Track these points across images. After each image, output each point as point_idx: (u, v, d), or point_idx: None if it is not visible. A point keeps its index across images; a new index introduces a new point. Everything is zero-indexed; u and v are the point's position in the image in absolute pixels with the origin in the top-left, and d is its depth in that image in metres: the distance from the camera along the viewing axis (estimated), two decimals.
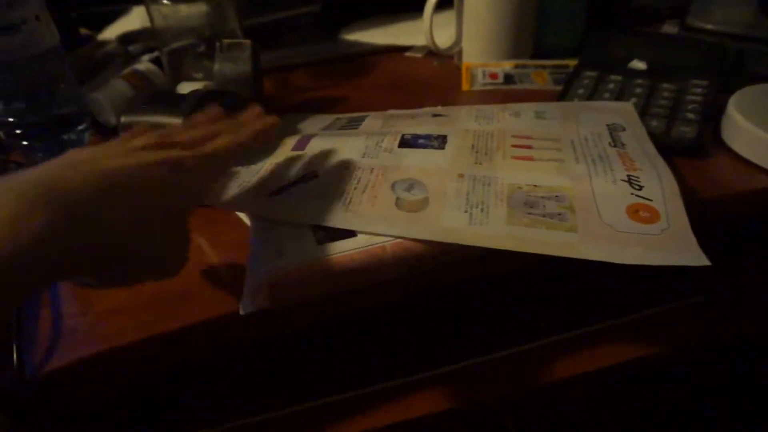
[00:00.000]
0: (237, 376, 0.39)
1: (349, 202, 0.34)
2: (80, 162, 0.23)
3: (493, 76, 0.55)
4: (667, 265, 0.29)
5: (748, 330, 0.45)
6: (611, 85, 0.48)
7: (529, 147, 0.39)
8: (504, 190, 0.34)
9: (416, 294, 0.34)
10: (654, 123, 0.43)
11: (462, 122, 0.43)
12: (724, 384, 0.52)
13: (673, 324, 0.45)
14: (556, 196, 0.34)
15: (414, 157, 0.38)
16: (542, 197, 0.34)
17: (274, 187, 0.36)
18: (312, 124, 0.47)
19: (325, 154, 0.39)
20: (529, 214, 0.32)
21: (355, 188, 0.35)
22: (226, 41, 0.48)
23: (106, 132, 0.49)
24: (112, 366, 0.29)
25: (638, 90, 0.47)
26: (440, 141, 0.39)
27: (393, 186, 0.35)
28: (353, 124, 0.45)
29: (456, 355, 0.41)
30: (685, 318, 0.45)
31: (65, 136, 0.46)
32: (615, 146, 0.39)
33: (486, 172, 0.36)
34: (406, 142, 0.39)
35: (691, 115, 0.43)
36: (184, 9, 0.51)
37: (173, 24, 0.52)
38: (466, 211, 0.33)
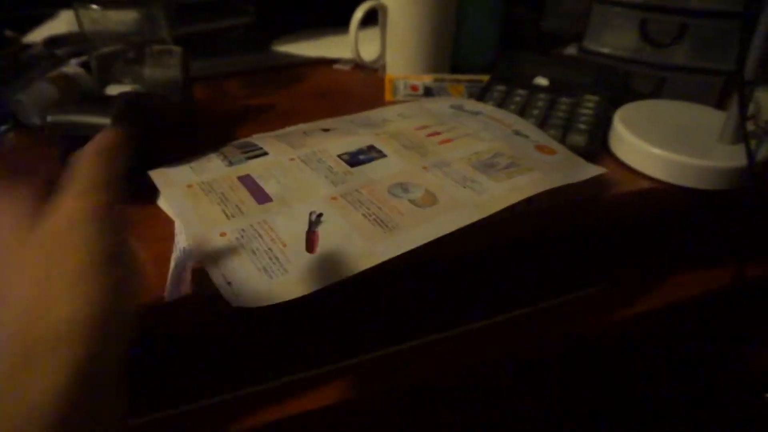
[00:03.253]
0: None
1: (385, 223, 0.34)
2: None
3: (414, 88, 0.59)
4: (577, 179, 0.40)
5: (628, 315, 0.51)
6: (517, 98, 0.53)
7: (438, 133, 0.45)
8: (463, 165, 0.40)
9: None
10: (551, 132, 0.48)
11: (363, 131, 0.46)
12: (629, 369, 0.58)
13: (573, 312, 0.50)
14: (495, 154, 0.41)
15: (372, 170, 0.40)
16: (490, 158, 0.41)
17: (300, 251, 0.32)
18: (184, 173, 0.40)
19: (300, 195, 0.37)
20: (498, 171, 0.39)
21: (372, 210, 0.35)
22: (156, 47, 0.49)
23: (30, 133, 0.49)
24: None
25: (540, 103, 0.52)
26: (375, 151, 0.42)
27: (389, 192, 0.37)
28: (250, 151, 0.43)
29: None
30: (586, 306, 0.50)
31: None
32: (477, 114, 0.49)
33: (437, 159, 0.41)
34: (351, 162, 0.41)
35: (582, 126, 0.49)
36: (113, 15, 0.52)
37: (102, 29, 0.52)
38: (465, 187, 0.38)
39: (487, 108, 0.51)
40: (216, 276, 0.30)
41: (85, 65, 0.55)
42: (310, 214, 0.35)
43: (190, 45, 0.54)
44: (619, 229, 0.48)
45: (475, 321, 0.47)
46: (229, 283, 0.30)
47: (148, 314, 0.32)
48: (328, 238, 0.33)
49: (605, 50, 0.57)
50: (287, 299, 0.29)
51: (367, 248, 0.32)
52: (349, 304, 0.41)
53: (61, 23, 0.67)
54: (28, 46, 0.61)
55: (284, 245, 0.32)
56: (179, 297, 0.31)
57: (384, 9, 0.59)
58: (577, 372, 0.53)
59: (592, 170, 0.42)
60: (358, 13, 0.58)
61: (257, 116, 0.55)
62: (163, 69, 0.48)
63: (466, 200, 0.37)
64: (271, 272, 0.30)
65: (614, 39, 0.56)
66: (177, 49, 0.50)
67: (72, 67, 0.54)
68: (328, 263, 0.31)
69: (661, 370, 0.58)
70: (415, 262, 0.34)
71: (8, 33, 0.57)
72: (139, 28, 0.54)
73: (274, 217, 0.35)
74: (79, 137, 0.37)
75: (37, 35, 0.64)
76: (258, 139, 0.45)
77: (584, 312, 0.49)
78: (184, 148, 0.45)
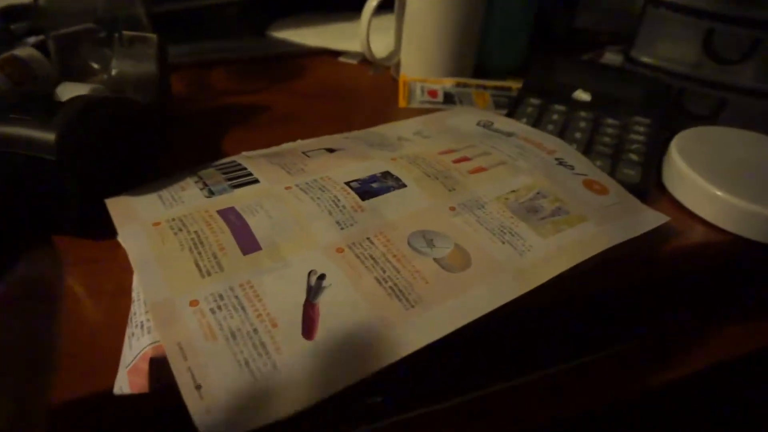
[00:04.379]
0: None
1: (405, 295, 0.26)
2: None
3: (433, 93, 0.51)
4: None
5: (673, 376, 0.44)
6: (555, 116, 0.45)
7: (467, 159, 0.37)
8: (500, 207, 0.33)
9: None
10: (598, 163, 0.41)
11: (376, 154, 0.38)
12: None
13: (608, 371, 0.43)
14: (537, 193, 0.34)
15: (388, 206, 0.32)
16: (531, 199, 0.34)
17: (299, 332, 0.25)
18: (150, 204, 0.32)
19: (296, 240, 0.29)
20: (543, 219, 0.32)
21: (388, 273, 0.27)
22: (127, 34, 0.41)
23: None
24: None
25: (582, 123, 0.44)
26: (393, 179, 0.34)
27: (409, 244, 0.29)
28: (236, 177, 0.34)
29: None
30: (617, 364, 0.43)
31: None
32: (511, 135, 0.41)
33: (468, 195, 0.34)
34: (362, 192, 0.33)
35: (634, 157, 0.41)
36: None
37: (63, 4, 0.43)
38: (504, 242, 0.30)
39: (521, 127, 0.43)
40: (181, 373, 0.22)
41: (42, 46, 0.46)
42: (309, 274, 0.27)
43: (171, 26, 0.45)
44: (669, 283, 0.41)
45: (502, 381, 0.40)
46: (198, 387, 0.22)
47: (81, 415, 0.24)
48: (331, 314, 0.26)
49: (657, 62, 0.49)
50: (275, 419, 0.21)
51: (380, 335, 0.25)
52: None
53: None
54: None
55: (274, 325, 0.25)
56: (132, 394, 0.23)
57: None
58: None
59: (653, 218, 0.35)
60: (372, 2, 0.49)
61: (247, 121, 0.47)
62: (134, 61, 0.39)
63: (506, 263, 0.29)
64: (256, 369, 0.23)
65: (670, 50, 0.48)
66: (152, 36, 0.41)
67: (26, 48, 0.44)
68: (330, 358, 0.24)
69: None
70: None
71: None
72: (109, 3, 0.45)
73: (262, 277, 0.27)
74: (11, 156, 0.29)
75: None
76: (246, 160, 0.37)
77: (618, 372, 0.42)
78: (154, 166, 0.37)
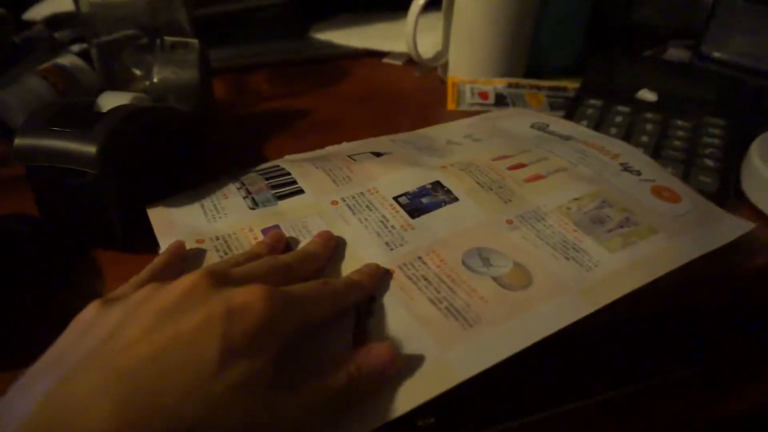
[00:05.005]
0: None
1: (463, 315, 0.24)
2: None
3: (483, 95, 0.48)
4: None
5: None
6: (618, 118, 0.42)
7: (523, 165, 0.35)
8: (561, 218, 0.30)
9: None
10: (670, 169, 0.37)
11: (425, 159, 0.36)
12: None
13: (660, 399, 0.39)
14: (602, 202, 0.31)
15: (439, 222, 0.30)
16: (596, 208, 0.31)
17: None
18: (193, 216, 0.31)
19: (344, 264, 0.28)
20: (610, 232, 0.29)
21: (443, 293, 0.26)
22: (168, 39, 0.39)
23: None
24: None
25: (649, 126, 0.41)
26: (442, 191, 0.32)
27: (464, 264, 0.27)
28: (281, 185, 0.33)
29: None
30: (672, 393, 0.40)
31: None
32: (569, 138, 0.38)
33: (526, 207, 0.31)
34: (411, 209, 0.31)
35: (710, 162, 0.38)
36: None
37: (105, 11, 0.43)
38: (568, 258, 0.28)
39: (580, 130, 0.40)
40: None
41: (85, 54, 0.45)
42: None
43: (212, 29, 0.44)
44: (751, 303, 0.37)
45: (556, 406, 0.37)
46: None
47: None
48: (382, 337, 0.24)
49: (731, 58, 0.45)
50: None
51: (437, 357, 0.23)
52: None
53: None
54: (26, 25, 0.52)
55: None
56: None
57: None
58: None
59: (736, 227, 0.31)
60: (420, 1, 0.46)
61: (289, 126, 0.45)
62: (175, 68, 0.38)
63: (571, 282, 0.26)
64: None
65: (745, 44, 0.44)
66: (194, 42, 0.39)
67: (69, 56, 0.44)
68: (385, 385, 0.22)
69: None
70: None
71: None
72: (150, 8, 0.45)
73: None
74: (56, 171, 0.28)
75: (37, 12, 0.55)
76: (290, 164, 0.35)
77: (679, 397, 0.39)
78: (196, 174, 0.35)
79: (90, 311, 0.20)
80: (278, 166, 0.35)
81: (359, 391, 0.21)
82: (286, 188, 0.32)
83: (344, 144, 0.40)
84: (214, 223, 0.30)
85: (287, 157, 0.38)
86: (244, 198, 0.32)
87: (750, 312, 0.40)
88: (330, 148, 0.40)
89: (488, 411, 0.36)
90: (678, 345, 0.40)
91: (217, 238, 0.29)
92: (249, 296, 0.20)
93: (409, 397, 0.21)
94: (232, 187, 0.33)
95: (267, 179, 0.33)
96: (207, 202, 0.32)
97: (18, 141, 0.28)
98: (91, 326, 0.19)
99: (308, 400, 0.19)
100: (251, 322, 0.19)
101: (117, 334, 0.18)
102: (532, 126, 0.41)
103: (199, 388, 0.17)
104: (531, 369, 0.36)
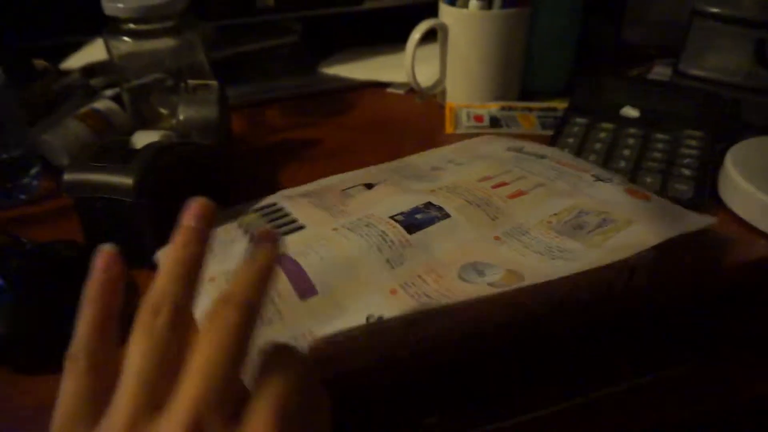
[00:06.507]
0: None
1: None
2: None
3: (478, 118, 0.52)
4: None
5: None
6: (602, 134, 0.45)
7: (506, 183, 0.38)
8: (544, 230, 0.33)
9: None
10: (648, 179, 0.40)
11: (415, 186, 0.38)
12: None
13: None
14: (580, 212, 0.34)
15: (435, 239, 0.33)
16: (575, 218, 0.34)
17: None
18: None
19: (351, 281, 0.30)
20: (590, 233, 0.32)
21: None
22: (191, 82, 0.44)
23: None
24: None
25: (631, 140, 0.44)
26: (435, 209, 0.35)
27: (461, 277, 0.30)
28: (281, 225, 0.35)
29: None
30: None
31: (10, 184, 0.42)
32: (543, 158, 0.41)
33: (511, 223, 0.34)
34: (408, 224, 0.33)
35: (686, 171, 0.41)
36: (147, 45, 0.47)
37: (135, 60, 0.48)
38: (554, 258, 0.31)
39: (552, 151, 0.43)
40: None
41: (118, 98, 0.51)
42: (368, 318, 0.28)
43: (230, 70, 0.49)
44: (729, 298, 0.40)
45: (561, 401, 0.40)
46: None
47: None
48: None
49: (707, 74, 0.48)
50: None
51: None
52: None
53: (101, 48, 0.64)
54: (65, 74, 0.58)
55: None
56: None
57: (444, 30, 0.52)
58: None
59: (699, 220, 0.34)
60: (416, 35, 0.51)
61: (303, 153, 0.49)
62: (198, 107, 0.43)
63: (560, 270, 0.29)
64: None
65: (720, 61, 0.47)
66: (214, 83, 0.44)
67: (103, 101, 0.49)
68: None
69: None
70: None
71: (39, 62, 0.54)
72: (174, 54, 0.50)
73: (323, 326, 0.28)
74: (99, 201, 0.32)
75: (75, 62, 0.61)
76: (288, 201, 0.38)
77: (671, 394, 0.41)
78: (222, 200, 0.39)
79: None
80: (276, 204, 0.37)
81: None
82: (288, 226, 0.35)
83: (337, 176, 0.42)
84: (224, 264, 0.32)
85: (283, 192, 0.40)
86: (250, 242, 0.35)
87: (745, 308, 0.42)
88: (324, 181, 0.42)
89: (488, 410, 0.39)
90: (673, 341, 0.43)
91: (228, 272, 0.31)
92: None
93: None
94: (234, 234, 0.35)
95: (269, 221, 0.36)
96: (216, 248, 0.32)
97: (66, 176, 0.33)
98: None
99: None
100: None
101: None
102: (508, 149, 0.43)
103: None
104: (531, 369, 0.40)
